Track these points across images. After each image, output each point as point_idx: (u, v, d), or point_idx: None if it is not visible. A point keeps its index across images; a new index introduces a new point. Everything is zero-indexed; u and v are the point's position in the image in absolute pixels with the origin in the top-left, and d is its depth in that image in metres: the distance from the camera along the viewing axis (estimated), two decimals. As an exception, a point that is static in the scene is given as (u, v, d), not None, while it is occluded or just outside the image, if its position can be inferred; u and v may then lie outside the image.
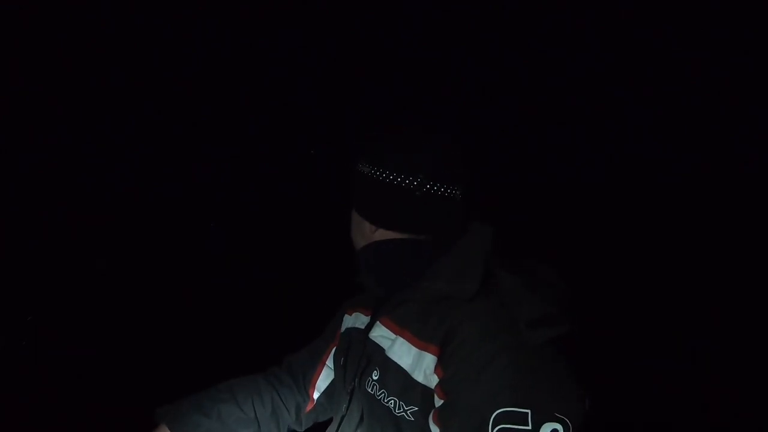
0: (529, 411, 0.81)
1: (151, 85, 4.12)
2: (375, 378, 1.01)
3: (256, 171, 4.48)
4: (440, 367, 0.91)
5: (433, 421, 0.91)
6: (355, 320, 1.23)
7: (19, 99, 3.70)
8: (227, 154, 4.46)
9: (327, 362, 1.31)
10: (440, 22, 4.02)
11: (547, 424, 0.80)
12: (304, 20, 4.12)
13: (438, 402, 0.91)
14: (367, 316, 1.18)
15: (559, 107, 4.09)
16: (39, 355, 3.36)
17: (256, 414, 1.24)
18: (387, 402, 0.98)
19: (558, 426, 0.81)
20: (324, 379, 1.31)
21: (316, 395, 1.31)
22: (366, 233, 1.10)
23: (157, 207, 4.26)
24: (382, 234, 1.08)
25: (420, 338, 0.97)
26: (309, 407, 1.31)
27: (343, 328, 1.27)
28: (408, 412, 0.95)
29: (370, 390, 1.02)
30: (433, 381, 0.93)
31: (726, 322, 3.52)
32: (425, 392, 0.94)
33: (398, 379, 0.97)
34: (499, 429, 0.81)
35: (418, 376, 0.95)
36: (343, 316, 1.29)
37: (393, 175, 1.04)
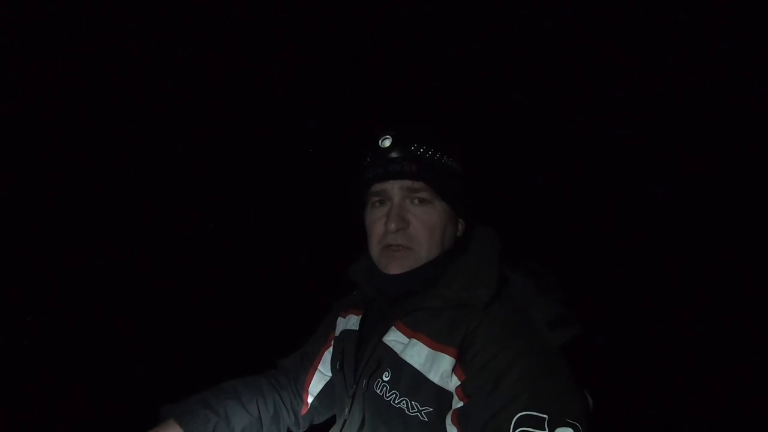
0: (546, 416, 0.83)
1: (150, 84, 4.12)
2: (386, 379, 1.01)
3: (255, 171, 4.48)
4: (460, 371, 0.92)
5: (452, 422, 0.92)
6: (347, 322, 1.23)
7: (18, 98, 3.70)
8: (226, 153, 4.46)
9: (319, 367, 1.31)
10: (439, 21, 4.02)
11: (560, 428, 0.83)
12: (303, 19, 4.11)
13: (457, 403, 0.92)
14: (358, 316, 1.19)
15: (557, 107, 4.09)
16: (39, 355, 3.35)
17: (260, 414, 1.25)
18: (398, 403, 0.98)
19: (570, 431, 0.83)
20: (316, 383, 1.31)
21: (309, 399, 1.31)
22: (453, 232, 1.12)
23: (157, 207, 4.26)
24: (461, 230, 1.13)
25: (434, 340, 0.98)
26: (304, 410, 1.32)
27: (338, 332, 1.27)
28: (422, 412, 0.95)
29: (379, 391, 1.02)
30: (451, 383, 0.93)
31: (725, 322, 3.53)
32: (440, 393, 0.94)
33: (411, 378, 0.98)
34: (519, 431, 0.83)
35: (434, 377, 0.95)
36: (336, 318, 1.29)
37: (462, 167, 1.10)
